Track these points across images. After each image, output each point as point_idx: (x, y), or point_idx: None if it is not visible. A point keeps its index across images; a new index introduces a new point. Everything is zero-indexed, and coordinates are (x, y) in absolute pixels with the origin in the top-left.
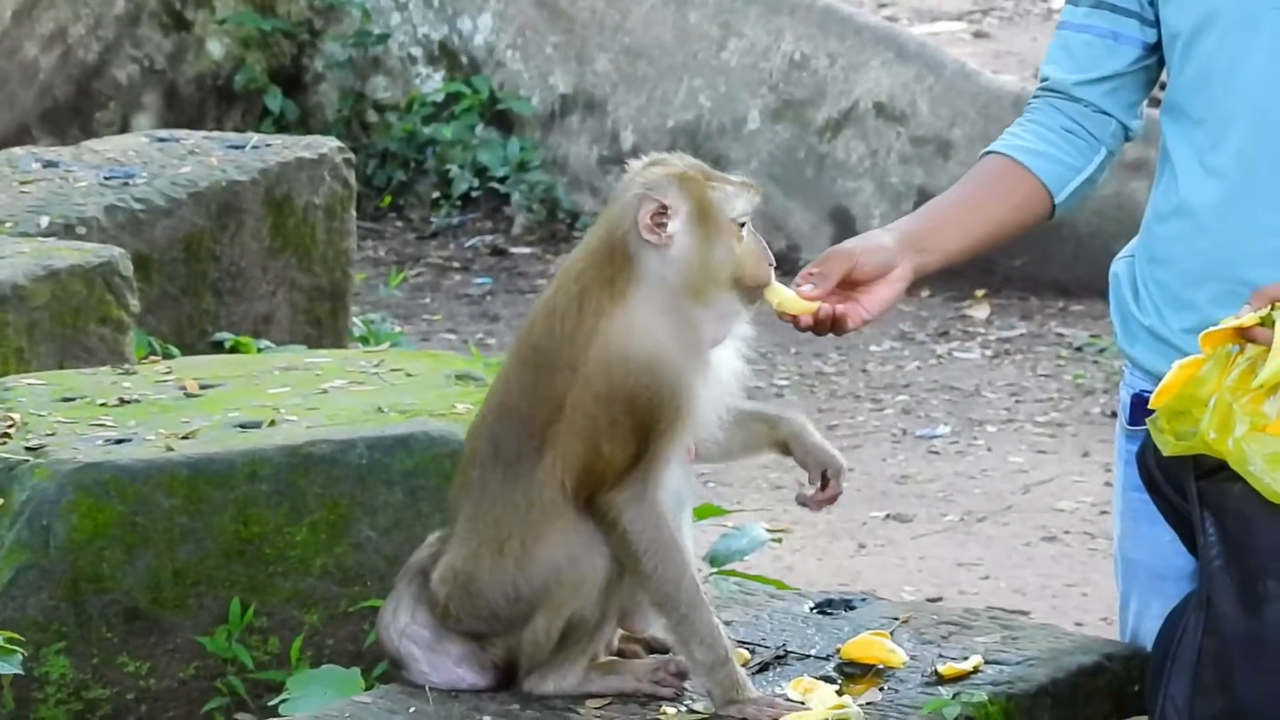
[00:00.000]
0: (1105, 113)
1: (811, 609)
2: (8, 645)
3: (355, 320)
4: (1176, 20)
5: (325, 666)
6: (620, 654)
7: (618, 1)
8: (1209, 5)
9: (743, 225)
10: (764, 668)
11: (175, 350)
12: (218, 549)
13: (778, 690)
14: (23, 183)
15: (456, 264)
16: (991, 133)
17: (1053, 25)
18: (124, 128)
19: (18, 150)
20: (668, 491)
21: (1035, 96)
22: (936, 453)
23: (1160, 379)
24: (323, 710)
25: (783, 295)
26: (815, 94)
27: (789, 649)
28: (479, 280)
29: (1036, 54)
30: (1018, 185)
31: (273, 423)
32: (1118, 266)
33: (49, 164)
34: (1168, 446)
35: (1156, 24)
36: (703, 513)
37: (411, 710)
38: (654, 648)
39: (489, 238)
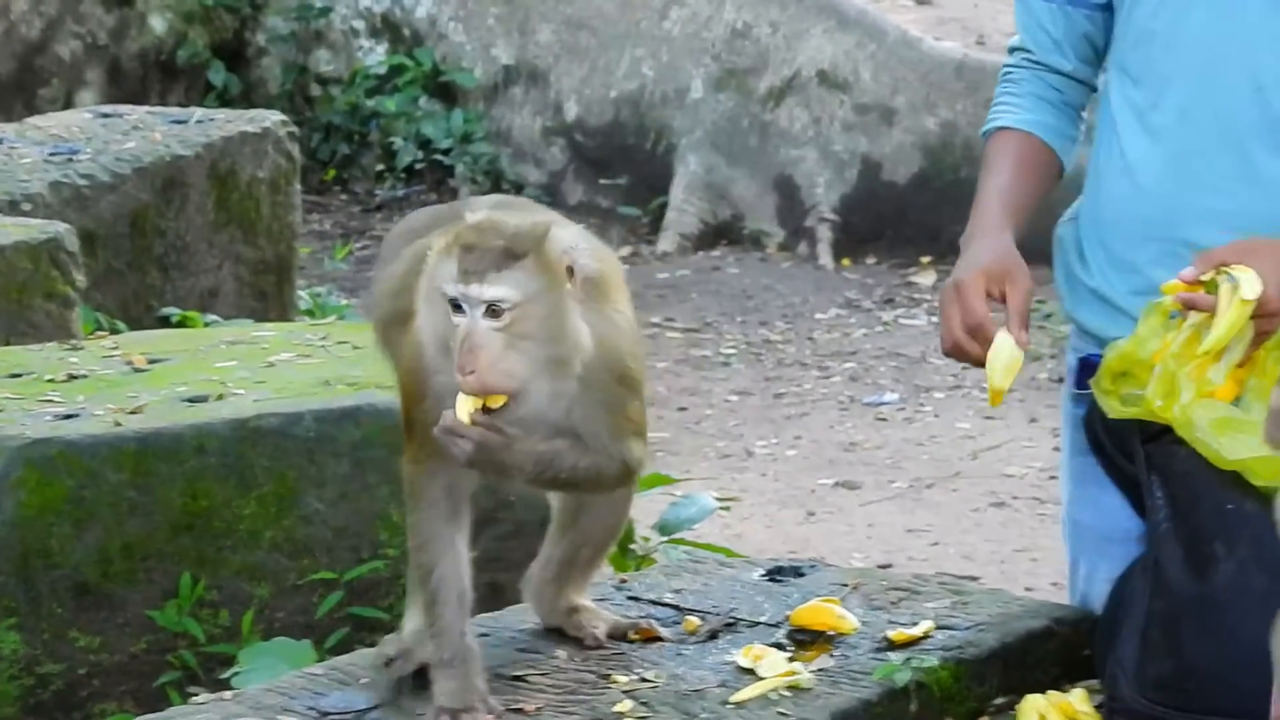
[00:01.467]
0: (1080, 81)
1: (761, 576)
2: None
3: (301, 294)
4: None
5: (276, 639)
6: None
7: None
8: None
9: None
10: (714, 635)
11: (122, 325)
12: (167, 523)
13: (727, 657)
14: None
15: None
16: (934, 99)
17: None
18: (68, 104)
19: None
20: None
21: (1017, 67)
22: (884, 419)
23: (1106, 342)
24: (275, 682)
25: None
26: (758, 62)
27: (739, 616)
28: None
29: (978, 20)
30: (1047, 159)
31: (220, 396)
32: (1062, 229)
33: None
34: (1113, 410)
35: None
36: (651, 482)
37: (363, 681)
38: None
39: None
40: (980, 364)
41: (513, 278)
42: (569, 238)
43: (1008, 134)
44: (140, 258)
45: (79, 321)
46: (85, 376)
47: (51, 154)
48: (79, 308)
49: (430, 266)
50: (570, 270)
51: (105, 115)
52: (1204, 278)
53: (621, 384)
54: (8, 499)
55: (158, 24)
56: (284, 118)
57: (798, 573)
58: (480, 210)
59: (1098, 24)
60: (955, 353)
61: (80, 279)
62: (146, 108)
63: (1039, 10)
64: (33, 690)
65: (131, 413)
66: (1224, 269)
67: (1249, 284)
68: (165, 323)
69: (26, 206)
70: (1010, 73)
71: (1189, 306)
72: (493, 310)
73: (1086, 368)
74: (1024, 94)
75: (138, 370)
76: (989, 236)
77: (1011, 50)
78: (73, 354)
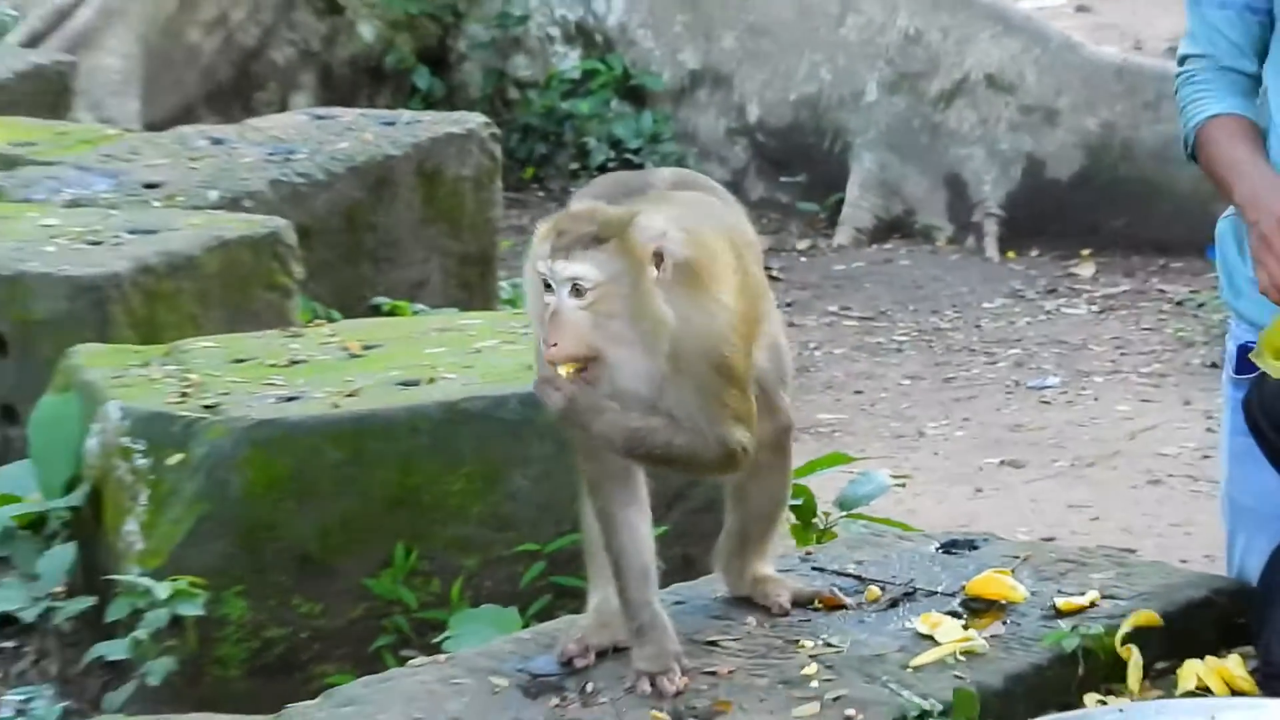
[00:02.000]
0: (1254, 78)
1: (937, 549)
2: (191, 589)
3: (503, 284)
4: None
5: (484, 606)
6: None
7: None
8: None
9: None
10: (894, 603)
11: (337, 314)
12: (381, 498)
13: (907, 624)
14: (192, 159)
15: None
16: (1094, 100)
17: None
18: (283, 106)
19: (187, 129)
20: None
21: (1198, 71)
22: (1047, 402)
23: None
24: (485, 646)
25: None
26: (929, 66)
27: (917, 586)
28: None
29: (1135, 26)
30: (1260, 135)
31: (431, 380)
32: (1223, 224)
33: (216, 141)
34: (1276, 371)
35: None
36: (830, 461)
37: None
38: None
39: None
40: None
41: (595, 258)
42: (659, 225)
43: (1222, 119)
44: (353, 251)
45: (297, 310)
46: (305, 362)
47: (270, 154)
48: (297, 298)
49: (532, 247)
50: (660, 256)
51: (319, 117)
52: None
53: (715, 369)
54: (235, 477)
55: (366, 31)
56: (486, 119)
57: (971, 546)
58: (660, 182)
59: (1267, 29)
60: (1272, 291)
61: (298, 271)
62: (358, 110)
63: (1218, 19)
64: (258, 653)
65: (348, 395)
66: None
67: None
68: (376, 311)
69: (248, 203)
70: (1193, 75)
71: None
72: (576, 288)
73: (1245, 353)
74: (1217, 89)
75: (353, 356)
76: (1277, 189)
77: (1183, 59)
78: (293, 341)
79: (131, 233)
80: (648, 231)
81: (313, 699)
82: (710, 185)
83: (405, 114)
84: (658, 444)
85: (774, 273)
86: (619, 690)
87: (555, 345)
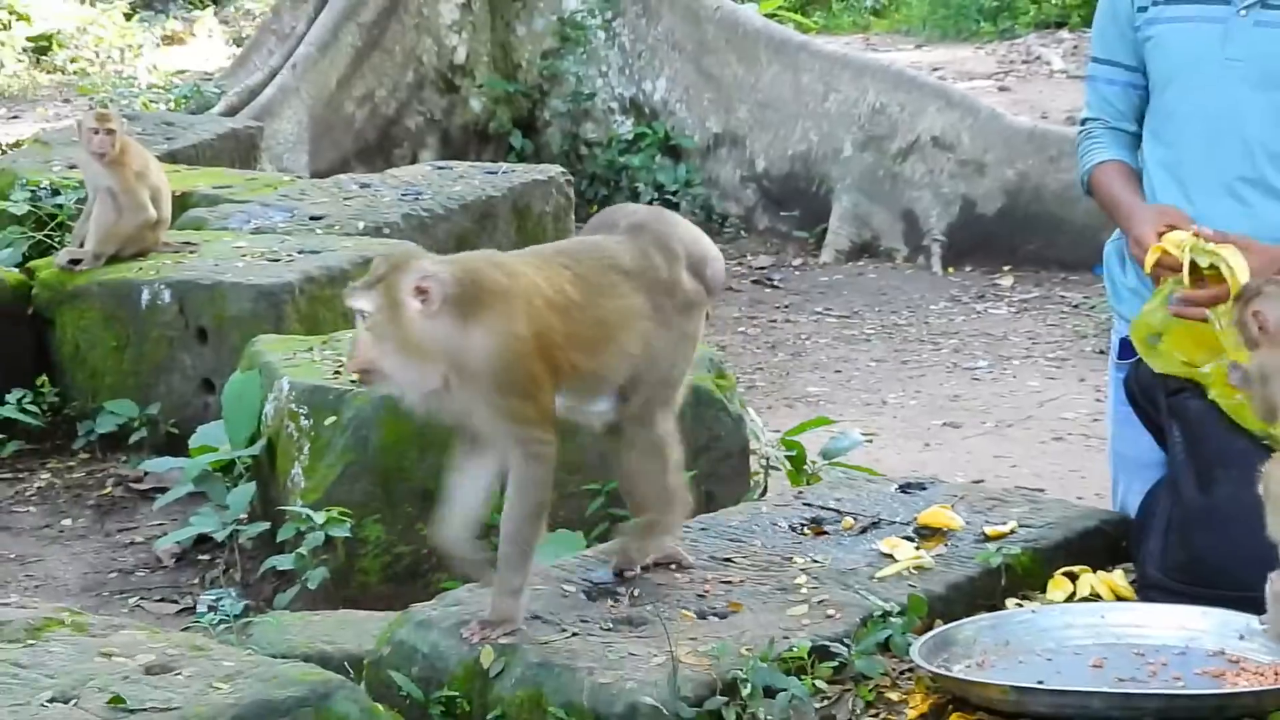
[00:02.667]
0: (1135, 135)
1: (896, 489)
2: (340, 517)
3: None
4: (1154, 73)
5: (558, 531)
6: None
7: (752, 69)
8: (1169, 66)
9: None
10: (864, 530)
11: None
12: None
13: (872, 546)
14: (346, 199)
15: None
16: (1013, 156)
17: (1054, 84)
18: (413, 160)
19: (342, 177)
20: None
21: (1094, 130)
22: (978, 380)
23: None
24: (558, 562)
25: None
26: (890, 131)
27: (881, 517)
28: None
29: (1041, 101)
30: (1136, 176)
31: None
32: (1109, 246)
33: (363, 185)
34: (1156, 366)
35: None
36: (816, 423)
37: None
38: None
39: None
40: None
41: (368, 295)
42: (427, 268)
43: (1110, 164)
44: None
45: None
46: None
47: (403, 195)
48: None
49: None
50: (424, 291)
51: (440, 168)
52: (1209, 247)
53: (492, 382)
54: (374, 433)
55: (475, 105)
56: (563, 170)
57: (921, 487)
58: (624, 219)
59: (1145, 100)
60: (1154, 272)
61: None
62: (468, 163)
63: (1108, 92)
64: (390, 565)
65: None
66: (1220, 245)
67: (1240, 265)
68: None
69: (386, 231)
70: (1091, 132)
71: (1164, 265)
72: (362, 316)
73: (1125, 344)
74: (1107, 143)
75: None
76: (1143, 208)
77: (1084, 121)
78: None
79: (300, 252)
80: (415, 274)
81: (429, 601)
82: (661, 217)
83: (503, 166)
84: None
85: (775, 282)
86: (659, 595)
87: (350, 359)
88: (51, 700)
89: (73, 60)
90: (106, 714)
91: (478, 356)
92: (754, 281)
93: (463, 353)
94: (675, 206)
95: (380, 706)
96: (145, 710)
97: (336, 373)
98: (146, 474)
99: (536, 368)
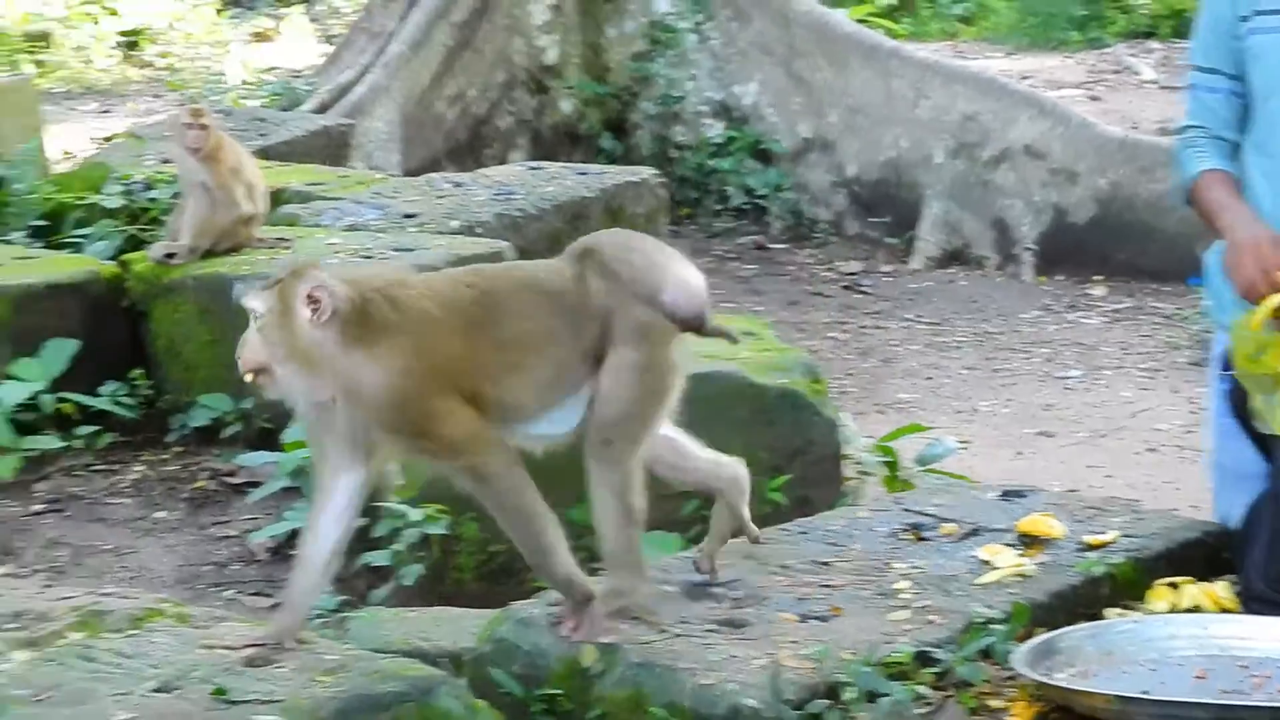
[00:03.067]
0: (1235, 144)
1: (995, 496)
2: (437, 514)
3: None
4: (1256, 83)
5: (654, 532)
6: None
7: (843, 74)
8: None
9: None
10: (964, 537)
11: None
12: (579, 449)
13: (973, 553)
14: (439, 197)
15: (732, 256)
16: (1104, 165)
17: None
18: (502, 161)
19: (435, 175)
20: None
21: (1196, 138)
22: (1070, 389)
23: None
24: (657, 561)
25: None
26: (982, 139)
27: (980, 524)
28: (747, 267)
29: (1133, 112)
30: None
31: None
32: (1211, 256)
33: (456, 184)
34: (1241, 375)
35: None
36: (909, 430)
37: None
38: None
39: (754, 238)
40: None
41: (262, 296)
42: (320, 278)
43: (1211, 173)
44: None
45: None
46: None
47: (496, 194)
48: None
49: None
50: (315, 301)
51: (533, 168)
52: None
53: (381, 419)
54: None
55: (566, 106)
56: (656, 171)
57: (1021, 495)
58: (594, 242)
59: (1245, 109)
60: (1250, 292)
61: None
62: (560, 164)
63: (1210, 100)
64: (485, 563)
65: None
66: None
67: None
68: None
69: (479, 230)
70: (1191, 140)
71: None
72: (254, 316)
73: (1227, 355)
74: (1208, 151)
75: None
76: (1254, 222)
77: (1183, 129)
78: None
79: (394, 250)
80: (309, 282)
81: (526, 599)
82: (619, 241)
83: (595, 167)
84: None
85: (865, 288)
86: (759, 597)
87: (239, 356)
88: (155, 690)
89: (162, 56)
90: (209, 705)
91: (365, 389)
92: (844, 287)
93: (349, 379)
94: (764, 211)
95: (481, 703)
96: (247, 702)
97: None
98: (241, 468)
99: (434, 400)
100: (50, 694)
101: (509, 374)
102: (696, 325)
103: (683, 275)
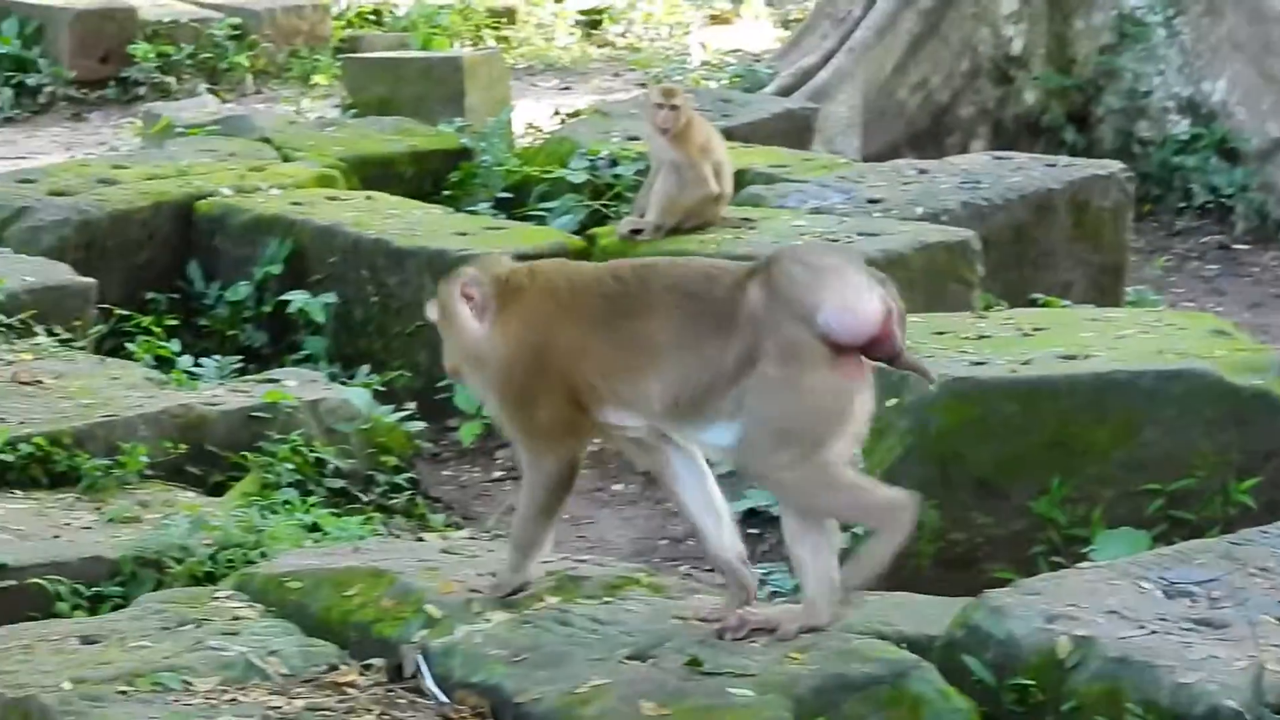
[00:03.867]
0: None
1: None
2: None
3: (1127, 290)
4: None
5: (1120, 529)
6: None
7: None
8: None
9: None
10: None
11: (1004, 305)
12: (1042, 442)
13: None
14: (903, 183)
15: (1194, 255)
16: None
17: None
18: (963, 150)
19: (900, 161)
20: None
21: None
22: None
23: None
24: (1133, 558)
25: None
26: None
27: None
28: (1210, 267)
29: None
30: None
31: (1085, 356)
32: None
33: (922, 171)
34: None
35: None
36: None
37: (1198, 562)
38: None
39: (1217, 237)
40: None
41: (433, 302)
42: (469, 273)
43: None
44: (1018, 258)
45: (978, 300)
46: (989, 337)
47: (961, 183)
48: (978, 290)
49: None
50: (469, 296)
51: (998, 158)
52: None
53: (490, 390)
54: (935, 418)
55: (1029, 97)
56: (1124, 166)
57: None
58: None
59: None
60: None
61: (980, 270)
62: (1026, 154)
63: None
64: (943, 551)
65: (1023, 363)
66: None
67: None
68: (1034, 305)
69: (943, 218)
70: None
71: None
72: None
73: None
74: None
75: (1025, 335)
76: None
77: None
78: (979, 321)
79: (859, 234)
80: (461, 278)
81: (981, 590)
82: (800, 257)
83: (1061, 159)
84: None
85: None
86: (1238, 598)
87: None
88: (629, 657)
89: (622, 35)
90: (683, 675)
91: (486, 353)
92: None
93: (483, 346)
94: (1229, 210)
95: (952, 689)
96: (721, 675)
97: None
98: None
99: (535, 381)
100: (527, 655)
101: (627, 371)
102: (878, 353)
103: (849, 299)
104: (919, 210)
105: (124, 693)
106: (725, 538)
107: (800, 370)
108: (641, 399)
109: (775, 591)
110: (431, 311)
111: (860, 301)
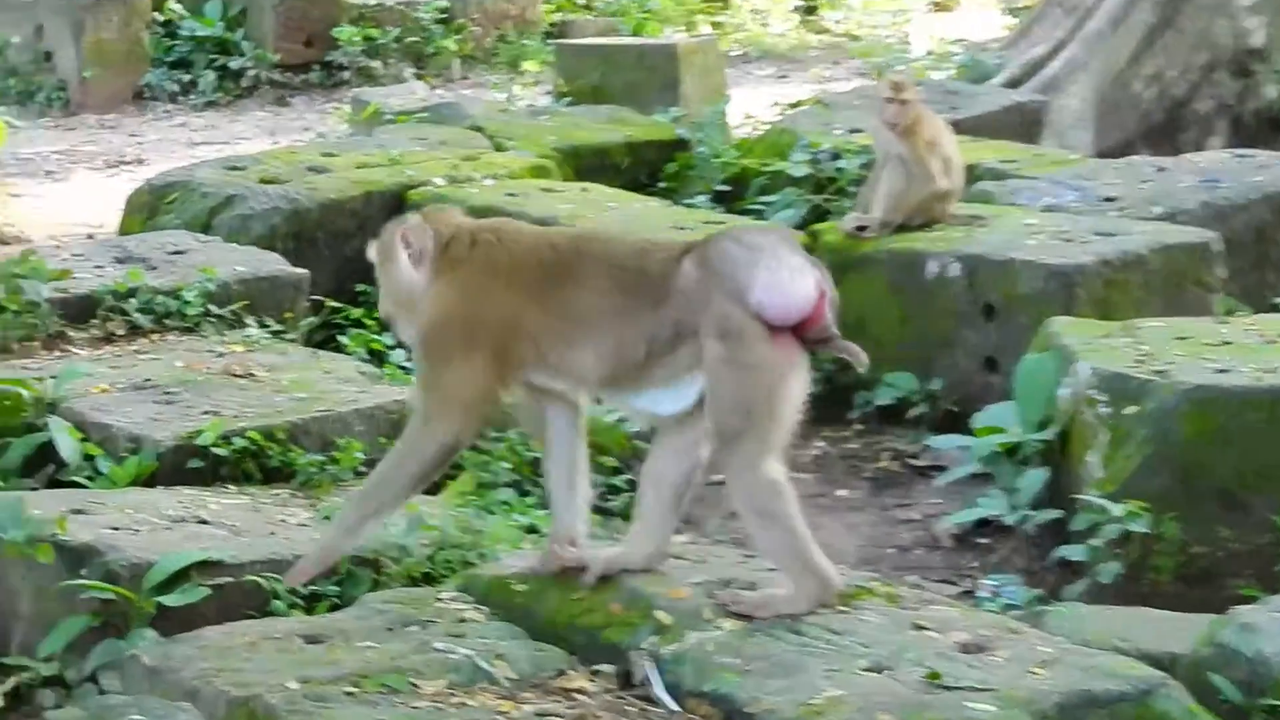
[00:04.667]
0: None
1: None
2: (1138, 510)
3: None
4: None
5: None
6: None
7: None
8: None
9: None
10: None
11: (1246, 309)
12: None
13: None
14: (1141, 181)
15: None
16: None
17: None
18: (1199, 146)
19: (1136, 158)
20: None
21: None
22: None
23: None
24: None
25: None
26: None
27: None
28: None
29: None
30: None
31: None
32: None
33: (1159, 168)
34: None
35: None
36: None
37: None
38: None
39: None
40: None
41: (373, 244)
42: (411, 221)
43: None
44: (1260, 260)
45: (1218, 305)
46: (1232, 343)
47: (1201, 181)
48: (1219, 294)
49: None
50: (406, 241)
51: (1240, 155)
52: None
53: (418, 343)
54: (1177, 427)
55: (1271, 91)
56: None
57: None
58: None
59: None
60: None
61: (1221, 273)
62: (1269, 152)
63: None
64: (1183, 565)
65: (1268, 372)
66: None
67: None
68: (1276, 310)
69: (1182, 218)
70: None
71: None
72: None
73: None
74: None
75: (1269, 342)
76: None
77: None
78: (1222, 327)
79: (1095, 234)
80: (404, 224)
81: (1221, 606)
82: (741, 237)
83: None
84: None
85: None
86: None
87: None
88: (865, 669)
89: (839, 22)
90: (921, 688)
91: (421, 311)
92: None
93: (421, 302)
94: None
95: (1199, 707)
96: (961, 689)
97: (1139, 360)
98: (926, 449)
99: (457, 348)
100: (758, 664)
101: (564, 341)
102: (809, 335)
103: (782, 279)
104: (1156, 209)
105: (350, 693)
106: (575, 516)
107: (739, 345)
108: (576, 366)
109: (1009, 605)
110: (372, 253)
111: (793, 282)
